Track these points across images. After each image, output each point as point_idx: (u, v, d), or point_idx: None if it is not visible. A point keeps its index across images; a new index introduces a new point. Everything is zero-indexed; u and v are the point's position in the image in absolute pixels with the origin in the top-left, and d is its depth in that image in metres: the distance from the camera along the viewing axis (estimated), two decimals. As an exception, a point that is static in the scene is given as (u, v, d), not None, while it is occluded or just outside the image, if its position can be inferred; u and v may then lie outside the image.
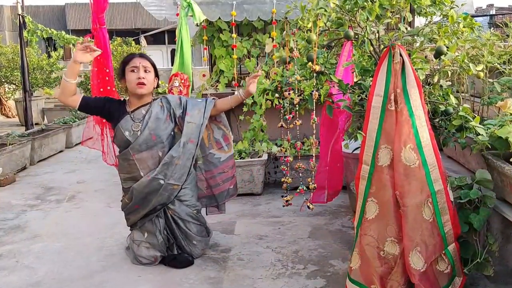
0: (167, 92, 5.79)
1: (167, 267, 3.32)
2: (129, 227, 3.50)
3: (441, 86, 2.92)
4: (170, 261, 3.36)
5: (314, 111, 3.05)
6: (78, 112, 9.03)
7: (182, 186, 3.32)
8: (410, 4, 2.87)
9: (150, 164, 3.25)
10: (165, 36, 25.47)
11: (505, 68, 3.52)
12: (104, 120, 5.45)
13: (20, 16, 8.97)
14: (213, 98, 3.49)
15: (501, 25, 4.26)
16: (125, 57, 3.30)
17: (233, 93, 5.86)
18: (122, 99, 3.36)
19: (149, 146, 3.21)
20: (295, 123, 3.28)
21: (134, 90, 3.17)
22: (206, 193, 3.60)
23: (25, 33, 9.48)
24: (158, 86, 3.35)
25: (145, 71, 3.18)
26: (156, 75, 3.29)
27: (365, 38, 2.73)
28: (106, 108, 3.28)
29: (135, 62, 3.18)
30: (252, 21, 6.06)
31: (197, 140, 3.29)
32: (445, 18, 2.85)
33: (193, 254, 3.41)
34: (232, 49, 5.99)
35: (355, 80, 3.33)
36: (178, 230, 3.39)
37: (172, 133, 3.31)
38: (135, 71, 3.16)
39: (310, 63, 2.96)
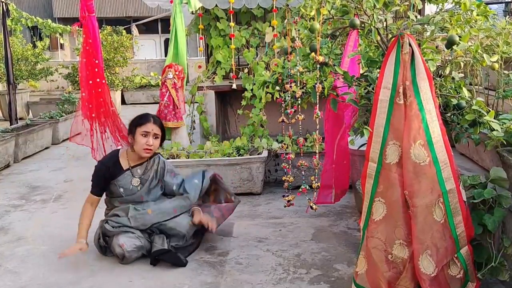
0: (160, 84, 5.80)
1: (161, 271, 3.31)
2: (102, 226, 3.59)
3: (453, 78, 2.92)
4: (159, 255, 3.40)
5: (318, 105, 3.05)
6: (66, 105, 9.07)
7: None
8: (420, -10, 2.86)
9: None
10: (158, 25, 25.43)
11: (521, 59, 3.52)
12: (93, 115, 5.47)
13: (3, 4, 8.94)
14: (211, 176, 3.89)
15: (517, 13, 4.25)
16: (141, 116, 3.61)
17: (231, 86, 5.91)
18: (112, 154, 3.75)
19: (137, 202, 3.62)
20: (297, 117, 3.28)
21: (140, 153, 3.54)
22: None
23: (8, 22, 9.46)
24: (161, 145, 3.73)
25: (155, 137, 3.55)
26: (163, 136, 3.66)
27: (372, 27, 2.72)
28: (109, 176, 3.60)
29: (148, 127, 3.52)
30: (251, 8, 6.05)
31: (180, 213, 3.61)
32: (458, 6, 2.84)
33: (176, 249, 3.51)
34: (230, 39, 5.99)
35: (361, 72, 3.32)
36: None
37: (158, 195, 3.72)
38: (146, 136, 3.51)
39: (313, 53, 2.95)
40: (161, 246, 3.43)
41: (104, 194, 3.70)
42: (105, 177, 3.60)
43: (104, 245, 3.54)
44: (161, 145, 3.71)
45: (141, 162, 3.64)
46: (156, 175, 3.65)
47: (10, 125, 8.24)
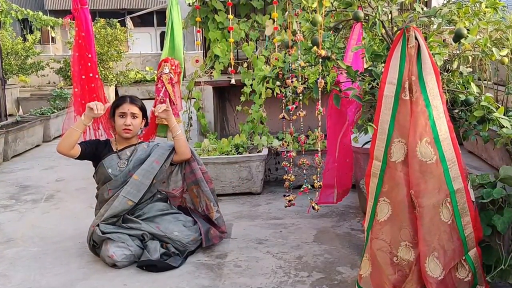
0: (155, 79, 5.79)
1: (156, 274, 3.31)
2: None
3: (461, 73, 2.92)
4: (149, 266, 3.39)
5: (320, 101, 3.04)
6: (57, 101, 9.07)
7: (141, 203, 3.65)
8: (427, -19, 2.86)
9: None
10: (153, 18, 25.44)
11: (532, 53, 3.51)
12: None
13: (-8, -5, 8.94)
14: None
15: (528, 5, 4.24)
16: (117, 99, 3.77)
17: (229, 81, 5.90)
18: (106, 138, 3.84)
19: (126, 182, 3.60)
20: (299, 114, 3.28)
21: (121, 134, 3.66)
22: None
23: (-3, 14, 9.44)
24: (146, 125, 3.83)
25: (133, 117, 3.64)
26: (144, 116, 3.74)
27: (376, 19, 2.72)
28: (98, 152, 3.68)
29: (124, 108, 3.63)
30: (250, 0, 6.04)
31: (162, 162, 3.65)
32: (466, -3, 2.84)
33: (175, 252, 3.49)
34: (228, 32, 5.97)
35: (365, 66, 3.32)
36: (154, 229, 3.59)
37: None
38: (123, 116, 3.62)
39: (315, 47, 2.94)
40: (154, 252, 3.44)
41: (96, 189, 3.74)
42: (96, 145, 3.70)
43: (96, 245, 3.54)
44: (146, 125, 3.82)
45: (128, 145, 3.71)
46: (145, 152, 3.70)
47: (-1, 122, 8.24)
